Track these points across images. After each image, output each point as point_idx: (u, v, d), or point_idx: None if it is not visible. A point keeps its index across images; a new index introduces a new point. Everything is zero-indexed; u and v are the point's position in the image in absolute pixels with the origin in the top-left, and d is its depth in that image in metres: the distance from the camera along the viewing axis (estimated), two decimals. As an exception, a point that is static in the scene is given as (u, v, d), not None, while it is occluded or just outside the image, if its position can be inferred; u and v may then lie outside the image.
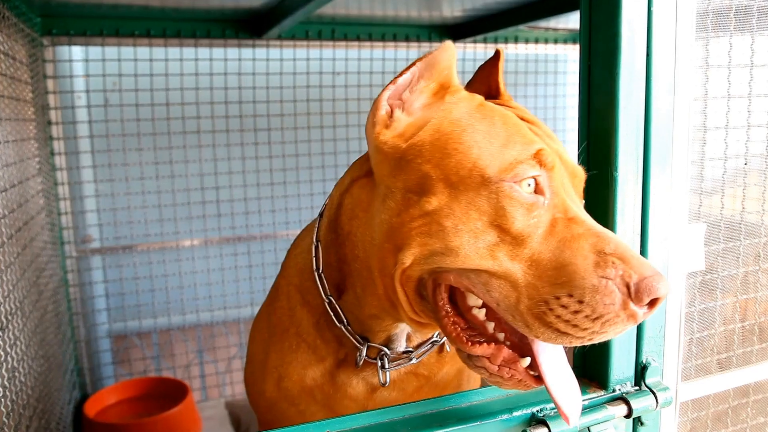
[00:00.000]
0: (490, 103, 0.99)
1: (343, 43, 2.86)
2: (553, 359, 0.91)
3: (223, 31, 2.67)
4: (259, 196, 2.99)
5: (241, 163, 2.94)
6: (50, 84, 2.55)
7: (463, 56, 3.14)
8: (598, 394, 1.07)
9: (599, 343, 1.06)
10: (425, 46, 3.01)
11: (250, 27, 2.69)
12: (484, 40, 3.07)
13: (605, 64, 1.00)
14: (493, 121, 0.94)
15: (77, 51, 2.65)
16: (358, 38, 2.87)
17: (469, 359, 0.95)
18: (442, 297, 0.94)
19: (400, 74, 0.97)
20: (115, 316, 2.93)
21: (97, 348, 2.88)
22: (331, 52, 2.89)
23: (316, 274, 1.12)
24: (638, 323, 0.84)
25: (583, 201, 0.98)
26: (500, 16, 2.75)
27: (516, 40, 3.13)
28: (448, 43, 0.96)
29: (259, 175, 2.97)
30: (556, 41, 3.22)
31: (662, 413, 1.11)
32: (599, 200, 1.03)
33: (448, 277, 0.92)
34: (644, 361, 1.09)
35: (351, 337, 1.11)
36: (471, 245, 0.87)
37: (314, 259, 1.13)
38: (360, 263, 1.04)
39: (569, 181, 0.95)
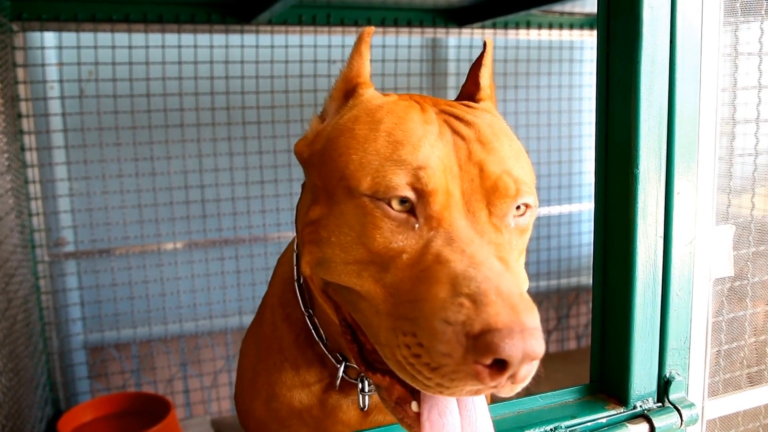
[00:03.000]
0: (397, 104, 0.95)
1: (340, 28, 2.86)
2: (443, 409, 0.85)
3: (208, 16, 2.67)
4: (248, 196, 2.99)
5: (228, 160, 2.94)
6: (20, 73, 2.55)
7: (470, 43, 3.14)
8: (617, 411, 1.07)
9: (618, 355, 1.07)
10: (429, 32, 3.02)
11: (238, 11, 2.69)
12: (494, 26, 3.08)
13: (625, 52, 1.00)
14: (378, 125, 0.90)
15: (50, 37, 2.65)
16: (355, 23, 2.87)
17: (376, 386, 0.94)
18: (340, 313, 0.96)
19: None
20: (91, 326, 2.93)
21: (71, 361, 2.88)
22: (326, 38, 2.89)
23: (296, 284, 1.12)
24: (491, 387, 0.75)
25: (507, 224, 0.89)
26: (511, 0, 2.75)
27: (528, 25, 3.13)
28: (363, 30, 0.95)
29: (248, 173, 2.97)
30: (571, 27, 3.22)
31: (687, 432, 1.12)
32: (619, 200, 1.04)
33: (330, 289, 0.94)
34: (668, 375, 1.09)
35: (329, 355, 1.11)
36: (341, 260, 0.88)
37: (295, 267, 1.13)
38: None
39: (483, 198, 0.87)
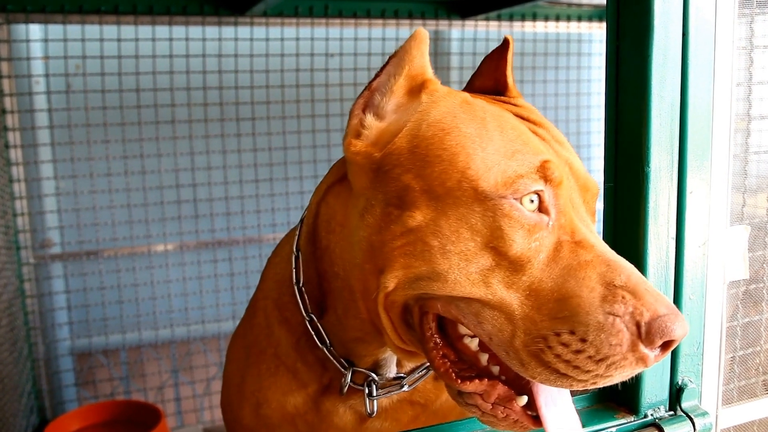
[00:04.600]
0: (479, 101, 0.99)
1: (338, 20, 2.86)
2: (555, 399, 0.91)
3: (201, 8, 2.67)
4: (242, 195, 2.99)
5: (221, 158, 2.94)
6: (4, 67, 2.55)
7: (474, 36, 3.15)
8: (627, 420, 1.07)
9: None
10: (431, 25, 3.02)
11: (231, 3, 2.69)
12: (498, 18, 3.08)
13: (635, 45, 1.00)
14: (484, 122, 0.93)
15: (35, 30, 2.65)
16: (354, 15, 2.87)
17: (460, 396, 0.95)
18: (429, 326, 0.94)
19: (376, 76, 0.98)
20: (78, 331, 2.93)
21: (57, 367, 2.88)
22: (323, 30, 2.89)
23: (296, 288, 1.12)
24: (648, 367, 0.84)
25: (596, 220, 0.98)
26: (516, -10, 2.76)
27: (534, 17, 3.13)
28: (419, 31, 0.96)
29: (242, 171, 2.97)
30: (579, 18, 3.22)
31: (700, 442, 1.11)
32: (629, 200, 1.03)
33: (436, 304, 0.91)
34: (680, 383, 1.09)
35: (335, 361, 1.11)
36: (461, 269, 0.87)
37: (294, 271, 1.12)
38: (340, 282, 1.04)
39: (579, 196, 0.94)
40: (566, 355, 0.82)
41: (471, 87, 1.18)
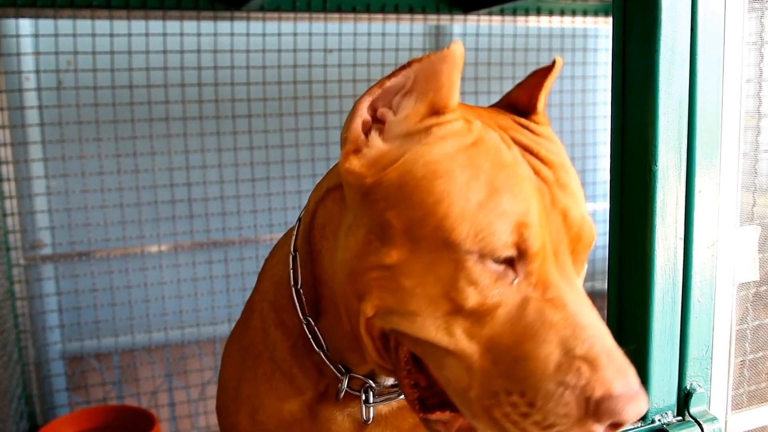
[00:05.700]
0: (493, 140, 0.93)
1: (337, 15, 2.86)
2: None
3: (195, 2, 2.67)
4: (238, 194, 2.99)
5: (217, 156, 2.94)
6: (-6, 63, 2.55)
7: (476, 31, 3.14)
8: (634, 426, 1.07)
9: (635, 366, 1.06)
10: (432, 20, 3.02)
11: (227, -3, 2.70)
12: (501, 12, 3.08)
13: (642, 40, 1.00)
14: (479, 170, 0.89)
15: (25, 24, 2.65)
16: (353, 10, 2.87)
17: (426, 421, 0.97)
18: (405, 354, 0.95)
19: (391, 76, 0.92)
20: (69, 335, 2.93)
21: (48, 372, 2.88)
22: (322, 25, 2.89)
23: (293, 289, 1.12)
24: None
25: (585, 268, 0.96)
26: (520, -16, 2.76)
27: (538, 11, 3.13)
28: (455, 48, 0.90)
29: (238, 170, 2.97)
30: (585, 13, 3.22)
31: (709, 448, 1.11)
32: (635, 199, 1.03)
33: (407, 340, 0.93)
34: (688, 387, 1.09)
35: (331, 366, 1.12)
36: (428, 314, 0.87)
37: (291, 271, 1.12)
38: (329, 291, 1.05)
39: (568, 246, 0.91)
40: (513, 416, 0.82)
41: (509, 96, 1.12)
